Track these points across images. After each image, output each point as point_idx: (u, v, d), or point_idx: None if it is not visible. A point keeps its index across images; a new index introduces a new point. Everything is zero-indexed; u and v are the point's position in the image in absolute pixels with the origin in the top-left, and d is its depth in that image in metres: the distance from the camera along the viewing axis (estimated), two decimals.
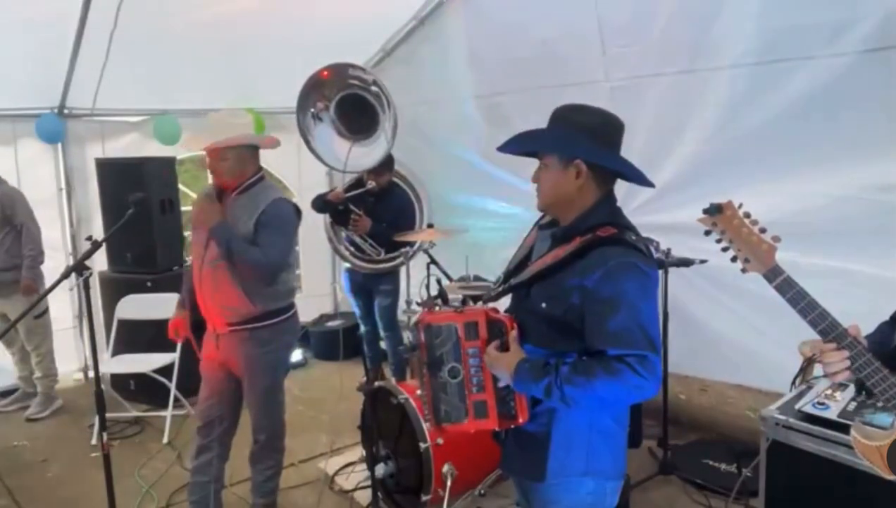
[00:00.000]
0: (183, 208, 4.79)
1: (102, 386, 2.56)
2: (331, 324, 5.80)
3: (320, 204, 4.23)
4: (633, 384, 1.48)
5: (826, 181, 3.04)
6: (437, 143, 4.91)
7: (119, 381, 4.52)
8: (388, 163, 4.04)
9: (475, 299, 2.08)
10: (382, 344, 4.59)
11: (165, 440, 4.00)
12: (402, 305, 4.08)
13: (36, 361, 4.40)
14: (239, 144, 2.66)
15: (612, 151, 1.68)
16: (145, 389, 4.39)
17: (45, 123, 4.63)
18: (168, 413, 4.08)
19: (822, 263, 2.96)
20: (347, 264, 4.50)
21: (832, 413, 2.37)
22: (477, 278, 3.80)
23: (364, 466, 3.43)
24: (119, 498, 2.65)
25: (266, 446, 2.91)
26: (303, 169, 5.60)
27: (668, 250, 3.38)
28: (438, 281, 3.79)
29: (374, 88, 3.60)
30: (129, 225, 2.65)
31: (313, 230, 4.59)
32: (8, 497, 3.43)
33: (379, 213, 4.20)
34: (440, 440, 2.85)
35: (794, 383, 2.73)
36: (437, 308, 1.81)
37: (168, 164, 4.70)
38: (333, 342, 4.99)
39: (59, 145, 4.82)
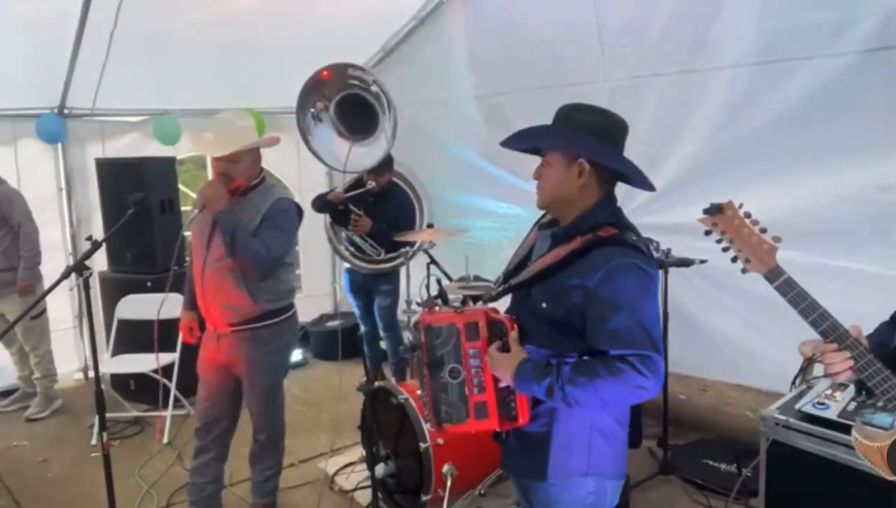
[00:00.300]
0: (183, 208, 4.79)
1: (102, 386, 2.55)
2: (331, 324, 5.80)
3: (320, 204, 4.23)
4: (635, 383, 1.48)
5: (826, 181, 3.04)
6: (437, 143, 4.90)
7: (119, 381, 4.52)
8: (387, 163, 4.05)
9: (475, 299, 2.08)
10: (382, 344, 4.60)
11: (165, 440, 4.00)
12: (402, 305, 4.08)
13: (35, 361, 4.40)
14: (251, 147, 2.69)
15: (616, 151, 1.68)
16: (145, 389, 4.38)
17: (45, 123, 4.63)
18: (168, 413, 4.08)
19: (823, 262, 2.96)
20: (347, 264, 4.50)
21: (832, 413, 2.37)
22: (477, 278, 3.80)
23: (364, 466, 3.44)
24: (119, 498, 2.65)
25: (266, 446, 2.92)
26: (303, 169, 5.60)
27: (668, 250, 3.38)
28: (438, 281, 3.79)
29: (373, 88, 3.60)
30: (129, 225, 2.65)
31: (313, 230, 4.59)
32: (8, 497, 3.43)
33: (379, 213, 4.20)
34: (440, 441, 2.85)
35: (794, 383, 2.73)
36: (437, 308, 1.80)
37: (168, 164, 4.71)
38: (333, 342, 4.98)
39: (59, 145, 4.82)
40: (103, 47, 3.96)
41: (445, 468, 2.74)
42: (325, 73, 3.58)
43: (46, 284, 4.07)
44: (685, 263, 3.32)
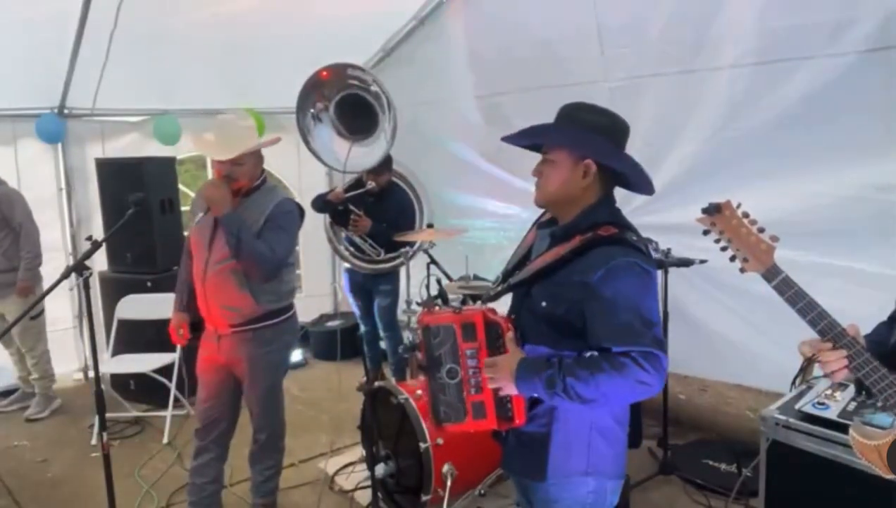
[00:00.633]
0: (183, 208, 4.79)
1: (102, 386, 2.55)
2: (331, 324, 5.80)
3: (320, 204, 4.23)
4: (637, 378, 1.48)
5: (826, 181, 3.04)
6: (437, 143, 4.90)
7: (119, 381, 4.52)
8: (387, 163, 4.04)
9: (475, 298, 2.08)
10: (382, 344, 4.60)
11: (165, 440, 4.00)
12: (401, 305, 4.08)
13: (32, 363, 4.39)
14: (255, 149, 2.69)
15: (625, 154, 1.68)
16: (145, 389, 4.39)
17: (45, 123, 4.63)
18: (168, 413, 4.08)
19: (824, 262, 2.96)
20: (347, 264, 4.50)
21: (832, 413, 2.37)
22: (477, 278, 3.80)
23: (364, 466, 3.43)
24: (119, 498, 2.65)
25: (266, 446, 2.92)
26: (302, 169, 5.60)
27: (668, 250, 3.38)
28: (438, 281, 3.79)
29: (373, 89, 3.60)
30: (129, 225, 2.65)
31: (313, 230, 4.59)
32: (8, 497, 3.43)
33: (379, 213, 4.20)
34: (440, 440, 2.85)
35: (794, 383, 2.73)
36: (436, 308, 1.80)
37: (168, 164, 4.71)
38: (333, 342, 4.98)
39: (59, 145, 4.82)
40: (103, 47, 3.96)
41: (445, 468, 2.74)
42: (324, 73, 3.58)
43: (46, 284, 4.07)
44: (685, 263, 3.32)
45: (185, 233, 3.02)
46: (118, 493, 2.64)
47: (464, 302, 2.19)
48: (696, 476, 3.35)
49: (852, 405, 2.40)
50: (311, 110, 3.68)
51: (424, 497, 2.89)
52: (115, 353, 4.35)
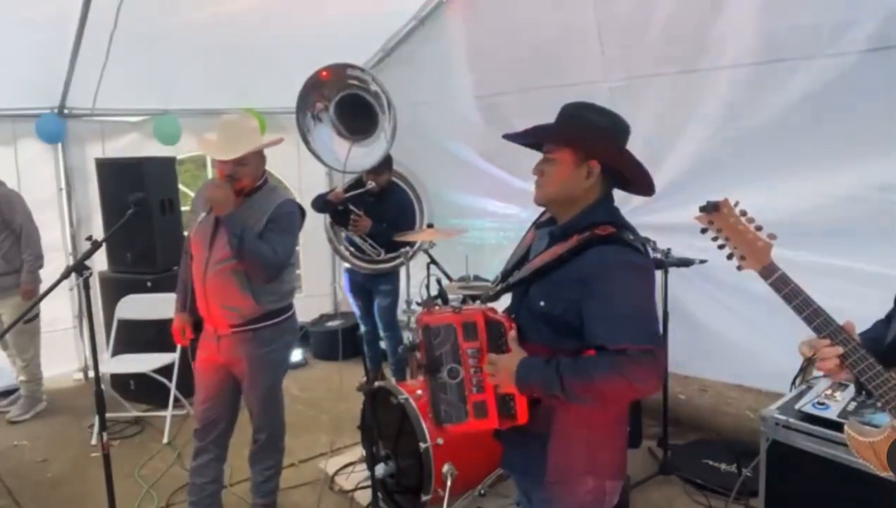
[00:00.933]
0: (183, 208, 4.79)
1: (102, 386, 2.55)
2: (331, 324, 5.80)
3: (320, 204, 4.23)
4: (634, 376, 1.48)
5: (827, 181, 3.04)
6: (437, 143, 4.90)
7: (119, 381, 4.52)
8: (387, 163, 4.05)
9: (475, 298, 2.08)
10: (382, 344, 4.60)
11: (165, 440, 4.00)
12: (401, 305, 4.08)
13: (21, 365, 4.37)
14: (259, 149, 2.69)
15: (631, 155, 1.68)
16: (145, 389, 4.39)
17: (45, 123, 4.63)
18: (168, 413, 4.09)
19: (824, 261, 2.96)
20: (347, 264, 4.50)
21: (832, 413, 2.37)
22: (477, 278, 3.80)
23: (364, 466, 3.43)
24: (119, 498, 2.65)
25: (266, 446, 2.92)
26: (302, 169, 5.61)
27: (668, 249, 3.38)
28: (438, 281, 3.79)
29: (373, 89, 3.60)
30: (129, 225, 2.65)
31: (313, 230, 4.59)
32: (8, 497, 3.43)
33: (379, 213, 4.20)
34: (440, 440, 2.85)
35: (794, 383, 2.73)
36: (436, 308, 1.80)
37: (168, 164, 4.71)
38: (333, 342, 4.99)
39: (59, 145, 4.82)
40: (103, 47, 3.96)
41: (445, 468, 2.74)
42: (324, 73, 3.59)
43: (46, 284, 4.07)
44: (685, 263, 3.32)
45: (185, 233, 3.02)
46: (118, 493, 2.64)
47: (464, 302, 2.19)
48: (696, 476, 3.35)
49: (852, 405, 2.40)
50: (311, 110, 3.68)
51: (424, 497, 2.89)
52: (115, 353, 4.35)
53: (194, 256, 2.79)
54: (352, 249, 4.39)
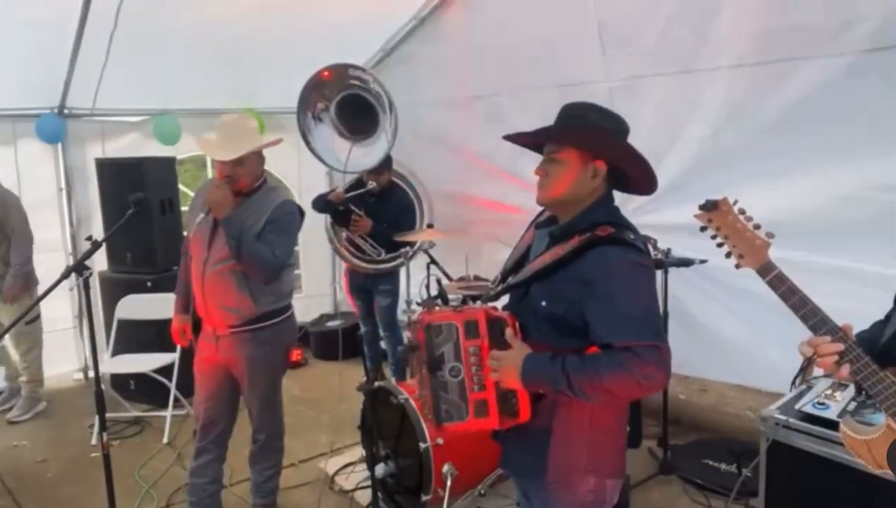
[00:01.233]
0: (183, 208, 4.79)
1: (102, 386, 2.55)
2: (331, 324, 5.80)
3: (321, 204, 4.23)
4: (642, 373, 1.48)
5: (827, 181, 3.04)
6: (437, 143, 4.90)
7: (119, 381, 4.52)
8: (387, 163, 4.05)
9: (474, 298, 2.07)
10: (382, 344, 4.60)
11: (165, 440, 4.00)
12: (401, 305, 4.08)
13: (23, 366, 4.37)
14: (258, 150, 2.69)
15: (637, 154, 1.68)
16: (145, 389, 4.39)
17: (45, 123, 4.63)
18: (168, 413, 4.09)
19: (824, 262, 2.96)
20: (348, 264, 4.50)
21: (832, 413, 2.38)
22: (477, 278, 3.80)
23: (364, 466, 3.43)
24: (119, 498, 2.65)
25: (266, 446, 2.92)
26: (303, 169, 5.60)
27: (668, 249, 3.38)
28: (438, 281, 3.79)
29: (374, 89, 3.61)
30: (129, 225, 2.65)
31: (313, 230, 4.59)
32: (8, 497, 3.43)
33: (379, 213, 4.20)
34: (440, 440, 2.85)
35: (794, 383, 2.73)
36: (436, 308, 1.80)
37: (168, 164, 4.71)
38: (333, 342, 4.98)
39: (59, 145, 4.82)
40: (103, 47, 3.96)
41: (445, 468, 2.74)
42: (326, 73, 3.59)
43: (46, 284, 4.06)
44: (685, 263, 3.32)
45: (185, 233, 3.02)
46: (118, 493, 2.64)
47: (464, 302, 2.19)
48: (696, 476, 3.35)
49: (852, 406, 2.40)
50: (312, 110, 3.68)
51: (424, 497, 2.89)
52: (115, 353, 4.35)
53: (193, 256, 2.79)
54: (352, 249, 4.39)
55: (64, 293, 4.58)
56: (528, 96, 4.14)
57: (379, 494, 2.95)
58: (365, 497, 3.25)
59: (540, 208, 1.85)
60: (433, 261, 4.01)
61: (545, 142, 1.71)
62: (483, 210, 4.77)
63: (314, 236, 4.83)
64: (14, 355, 4.38)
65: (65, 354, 4.94)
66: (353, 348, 5.11)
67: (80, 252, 4.80)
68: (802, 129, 3.08)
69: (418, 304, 2.84)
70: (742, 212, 1.51)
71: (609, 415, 1.69)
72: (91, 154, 4.87)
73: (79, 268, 2.40)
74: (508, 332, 1.65)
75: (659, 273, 3.25)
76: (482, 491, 3.06)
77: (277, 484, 3.03)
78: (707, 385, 4.38)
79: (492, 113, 4.52)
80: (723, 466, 3.42)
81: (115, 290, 4.51)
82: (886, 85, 2.81)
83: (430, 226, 4.31)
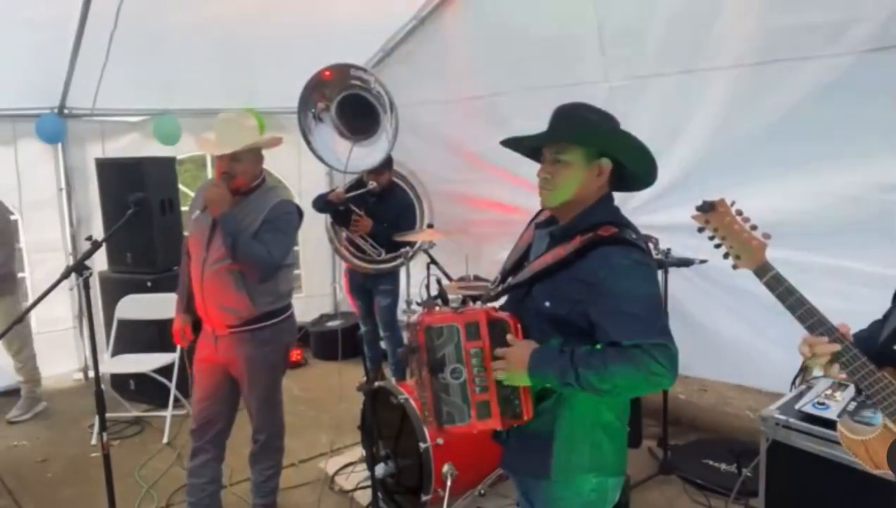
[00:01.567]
0: (183, 208, 4.79)
1: (102, 386, 2.55)
2: (331, 324, 5.80)
3: (321, 204, 4.23)
4: (650, 370, 1.47)
5: (827, 181, 3.04)
6: (437, 143, 4.90)
7: (119, 381, 4.52)
8: (388, 163, 4.05)
9: (474, 299, 2.07)
10: (382, 344, 4.60)
11: (165, 440, 4.00)
12: (401, 305, 4.08)
13: (18, 366, 4.37)
14: (256, 146, 2.69)
15: (644, 150, 1.68)
16: (145, 389, 4.39)
17: (45, 123, 4.63)
18: (168, 413, 4.09)
19: (824, 262, 2.97)
20: (347, 264, 4.50)
21: (832, 413, 2.37)
22: (477, 278, 3.80)
23: (364, 466, 3.44)
24: (119, 498, 2.65)
25: (266, 446, 2.92)
26: (303, 169, 5.61)
27: (668, 249, 3.38)
28: (438, 281, 3.79)
29: (375, 89, 3.60)
30: (129, 225, 2.65)
31: (313, 230, 4.59)
32: (8, 497, 3.43)
33: (380, 213, 4.20)
34: (440, 440, 2.85)
35: (794, 383, 2.74)
36: (436, 309, 1.79)
37: (168, 164, 4.71)
38: (333, 342, 4.98)
39: (59, 145, 4.82)
40: (103, 47, 3.96)
41: (445, 468, 2.73)
42: (326, 73, 3.59)
43: (46, 284, 4.06)
44: (685, 263, 3.32)
45: (185, 233, 3.01)
46: (118, 493, 2.64)
47: (464, 302, 2.19)
48: (696, 476, 3.35)
49: (852, 406, 2.39)
50: (313, 110, 3.68)
51: (424, 497, 2.90)
52: (115, 353, 4.35)
53: (192, 256, 2.80)
54: (352, 249, 4.39)
55: (64, 293, 4.58)
56: (529, 96, 4.14)
57: (379, 494, 2.95)
58: (365, 497, 3.25)
59: (538, 208, 1.85)
60: (433, 261, 4.01)
61: (545, 145, 1.69)
62: (483, 210, 4.77)
63: (314, 236, 4.84)
64: (7, 356, 4.39)
65: (65, 354, 4.94)
66: (353, 348, 5.11)
67: (80, 252, 4.79)
68: (802, 129, 3.08)
69: (418, 304, 2.84)
70: (739, 213, 1.51)
71: (611, 413, 1.68)
72: (91, 154, 4.87)
73: (79, 268, 2.40)
74: (510, 337, 1.64)
75: (659, 273, 3.25)
76: (482, 491, 3.06)
77: (277, 484, 3.03)
78: (707, 385, 4.38)
79: (492, 113, 4.52)
80: (723, 466, 3.42)
81: (115, 290, 4.52)
82: (886, 85, 2.81)
83: (430, 226, 4.31)
